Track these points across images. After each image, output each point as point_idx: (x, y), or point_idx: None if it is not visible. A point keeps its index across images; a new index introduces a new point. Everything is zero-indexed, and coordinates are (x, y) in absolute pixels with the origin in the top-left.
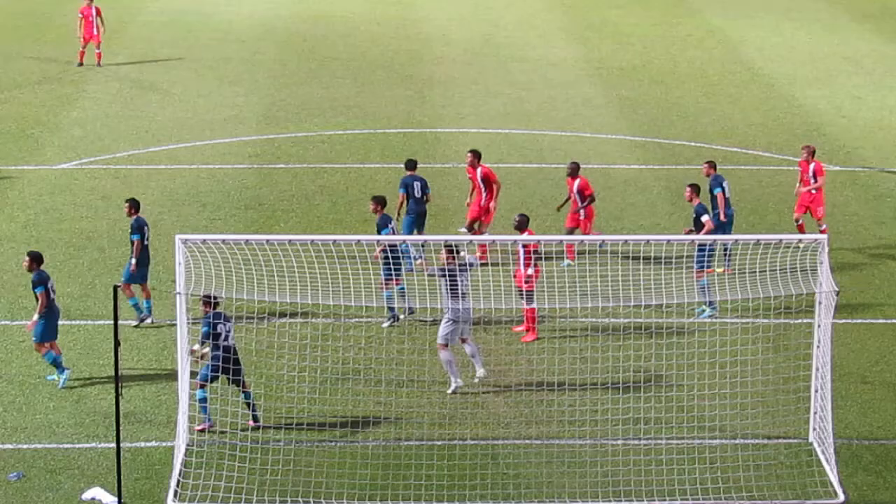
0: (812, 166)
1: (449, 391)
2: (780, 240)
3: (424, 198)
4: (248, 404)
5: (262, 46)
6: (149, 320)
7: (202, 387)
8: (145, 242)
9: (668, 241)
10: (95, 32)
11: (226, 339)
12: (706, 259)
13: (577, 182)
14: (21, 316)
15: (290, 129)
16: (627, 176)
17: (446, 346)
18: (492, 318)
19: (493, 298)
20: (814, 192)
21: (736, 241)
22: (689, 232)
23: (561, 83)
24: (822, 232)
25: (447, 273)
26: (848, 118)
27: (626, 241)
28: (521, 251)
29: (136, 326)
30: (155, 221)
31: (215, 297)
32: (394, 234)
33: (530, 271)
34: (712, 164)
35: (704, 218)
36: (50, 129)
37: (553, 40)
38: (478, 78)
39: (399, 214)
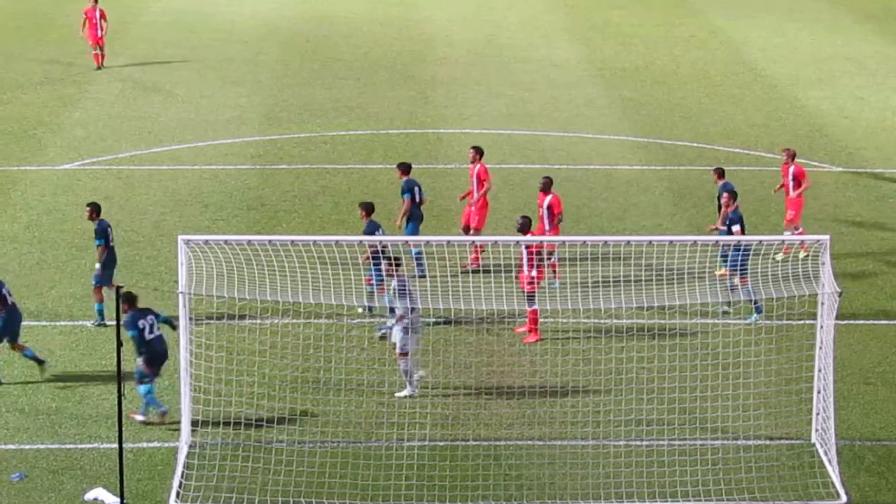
0: (792, 169)
1: (400, 394)
2: (783, 241)
3: (421, 201)
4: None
5: (264, 47)
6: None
7: (142, 383)
8: (111, 244)
9: (671, 241)
10: (99, 34)
11: (150, 332)
12: (741, 263)
13: (548, 198)
14: (24, 317)
15: (293, 130)
16: (630, 177)
17: (406, 354)
18: (494, 319)
19: (494, 300)
20: (794, 197)
21: (738, 241)
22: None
23: (563, 84)
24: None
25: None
26: (850, 119)
27: (628, 241)
28: (525, 253)
29: (95, 325)
30: (157, 222)
31: (133, 294)
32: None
33: (533, 273)
34: (721, 173)
35: (735, 228)
36: (52, 130)
37: (555, 41)
38: (480, 79)
39: (401, 220)
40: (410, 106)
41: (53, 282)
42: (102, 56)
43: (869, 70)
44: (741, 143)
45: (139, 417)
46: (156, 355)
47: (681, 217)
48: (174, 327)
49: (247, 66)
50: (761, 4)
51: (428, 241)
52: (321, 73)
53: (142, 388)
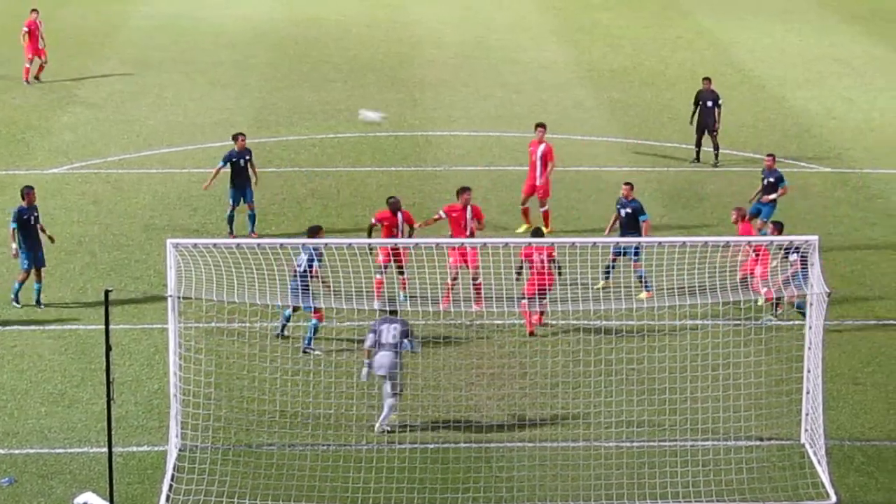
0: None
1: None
2: (772, 241)
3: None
4: None
5: (253, 50)
6: None
7: None
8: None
9: (660, 243)
10: (42, 47)
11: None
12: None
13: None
14: (13, 322)
15: (282, 133)
16: (619, 178)
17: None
18: (483, 321)
19: (484, 302)
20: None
21: (727, 242)
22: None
23: (552, 85)
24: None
25: None
26: (838, 119)
27: (617, 243)
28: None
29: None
30: (146, 225)
31: None
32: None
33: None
34: (631, 187)
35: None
36: (41, 134)
37: (544, 43)
38: (469, 80)
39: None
40: (399, 108)
41: (43, 286)
42: (41, 68)
43: (857, 71)
44: (729, 144)
45: None
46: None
47: (670, 218)
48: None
49: (235, 69)
50: (749, 6)
51: (417, 244)
52: (310, 75)
53: None
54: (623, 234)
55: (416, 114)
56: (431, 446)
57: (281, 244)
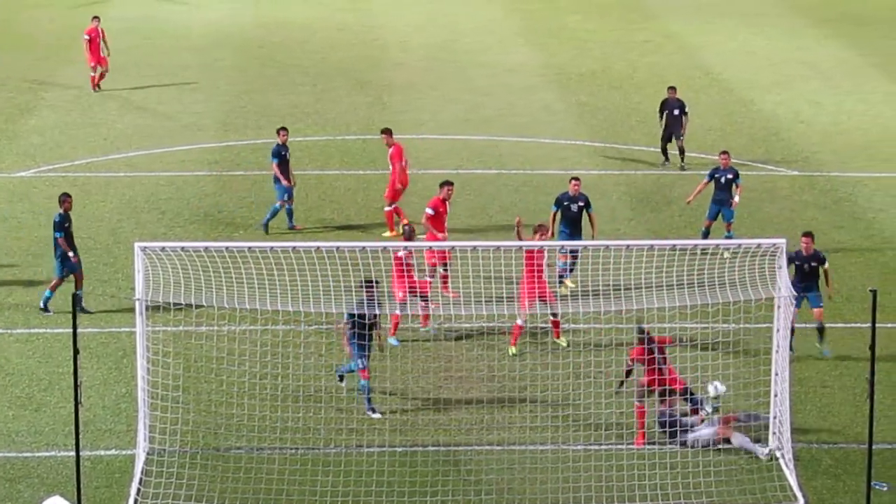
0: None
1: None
2: (740, 244)
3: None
4: None
5: (220, 53)
6: None
7: None
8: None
9: (628, 246)
10: (104, 55)
11: None
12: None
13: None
14: None
15: (249, 136)
16: (587, 182)
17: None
18: (453, 323)
19: (453, 306)
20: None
21: (695, 245)
22: None
23: (520, 89)
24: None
25: None
26: (806, 123)
27: (585, 246)
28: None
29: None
30: (114, 229)
31: None
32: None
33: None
34: (580, 181)
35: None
36: (8, 137)
37: (512, 46)
38: (437, 84)
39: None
40: (367, 111)
41: (10, 290)
42: (102, 76)
43: (824, 74)
44: (697, 148)
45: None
46: None
47: (638, 222)
48: None
49: (203, 73)
50: (717, 9)
51: (385, 247)
52: (277, 79)
53: None
54: (572, 229)
55: (385, 117)
56: (399, 450)
57: (249, 247)
